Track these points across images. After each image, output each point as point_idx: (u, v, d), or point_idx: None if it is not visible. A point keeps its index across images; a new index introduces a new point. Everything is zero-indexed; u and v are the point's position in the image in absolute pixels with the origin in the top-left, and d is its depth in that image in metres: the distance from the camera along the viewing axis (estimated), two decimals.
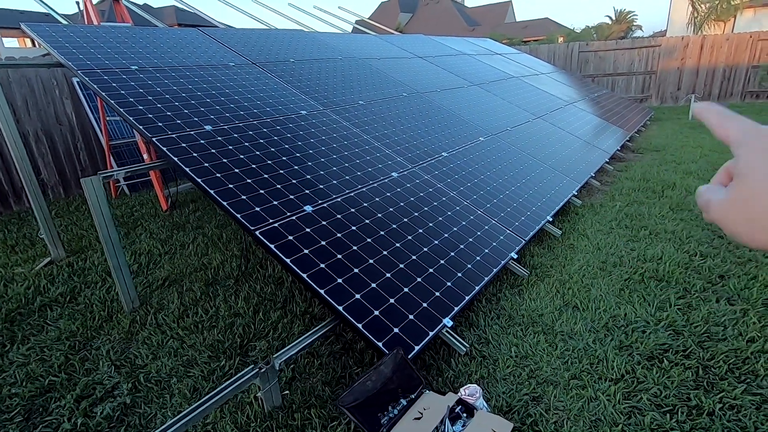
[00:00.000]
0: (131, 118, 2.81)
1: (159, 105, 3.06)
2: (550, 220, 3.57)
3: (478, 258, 2.77)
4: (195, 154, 2.70)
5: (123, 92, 3.05)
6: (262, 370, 1.83)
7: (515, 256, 2.95)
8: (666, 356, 2.15)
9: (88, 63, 3.24)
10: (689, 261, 3.04)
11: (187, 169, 2.56)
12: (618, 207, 4.11)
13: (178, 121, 2.97)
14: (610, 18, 26.46)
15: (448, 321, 2.23)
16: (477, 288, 2.52)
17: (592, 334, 2.35)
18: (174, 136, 2.80)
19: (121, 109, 2.86)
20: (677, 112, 10.15)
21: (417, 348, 2.04)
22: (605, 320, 2.45)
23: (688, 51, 11.30)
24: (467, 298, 2.43)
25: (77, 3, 6.02)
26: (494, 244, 2.97)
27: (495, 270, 2.73)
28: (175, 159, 2.60)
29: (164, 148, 2.66)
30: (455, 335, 2.22)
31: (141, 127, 2.77)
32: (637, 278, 2.87)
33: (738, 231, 0.36)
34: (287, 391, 2.04)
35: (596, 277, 2.91)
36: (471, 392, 1.85)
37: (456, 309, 2.33)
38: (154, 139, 2.71)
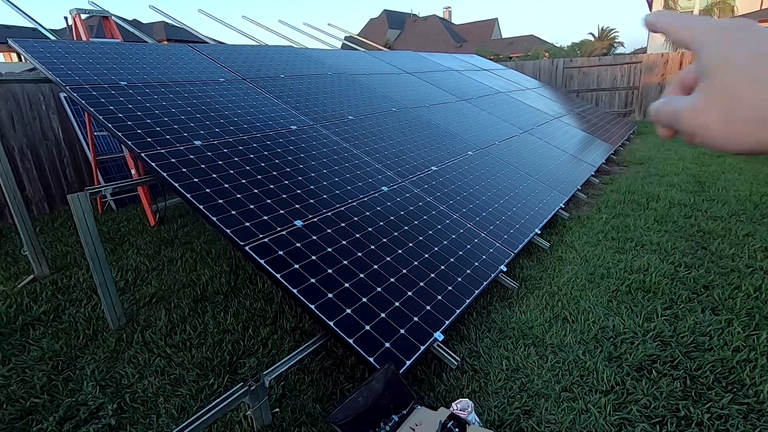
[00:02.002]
0: (119, 134, 2.80)
1: (148, 120, 3.06)
2: (539, 232, 3.61)
3: (468, 271, 2.79)
4: (184, 170, 2.70)
5: (111, 107, 3.04)
6: (252, 388, 1.80)
7: (505, 269, 2.98)
8: (654, 367, 2.17)
9: (76, 78, 3.23)
10: (674, 272, 3.10)
11: (176, 185, 2.55)
12: (604, 219, 4.17)
13: (168, 137, 2.96)
14: (593, 35, 27.24)
15: (439, 335, 2.23)
16: (468, 301, 2.53)
17: (581, 345, 2.37)
18: (163, 151, 2.79)
19: (110, 125, 2.85)
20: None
21: (408, 363, 2.03)
22: (594, 332, 2.47)
23: (668, 67, 11.66)
24: (458, 311, 2.43)
25: (65, 18, 6.02)
26: (484, 257, 2.99)
27: (485, 283, 2.74)
28: (164, 174, 2.59)
29: (153, 164, 2.64)
30: (446, 349, 2.22)
31: (129, 142, 2.76)
32: (624, 289, 2.91)
33: (714, 135, 0.33)
34: (277, 409, 2.01)
35: (585, 289, 2.94)
36: (463, 407, 1.84)
37: (447, 323, 2.33)
38: (142, 154, 2.70)
